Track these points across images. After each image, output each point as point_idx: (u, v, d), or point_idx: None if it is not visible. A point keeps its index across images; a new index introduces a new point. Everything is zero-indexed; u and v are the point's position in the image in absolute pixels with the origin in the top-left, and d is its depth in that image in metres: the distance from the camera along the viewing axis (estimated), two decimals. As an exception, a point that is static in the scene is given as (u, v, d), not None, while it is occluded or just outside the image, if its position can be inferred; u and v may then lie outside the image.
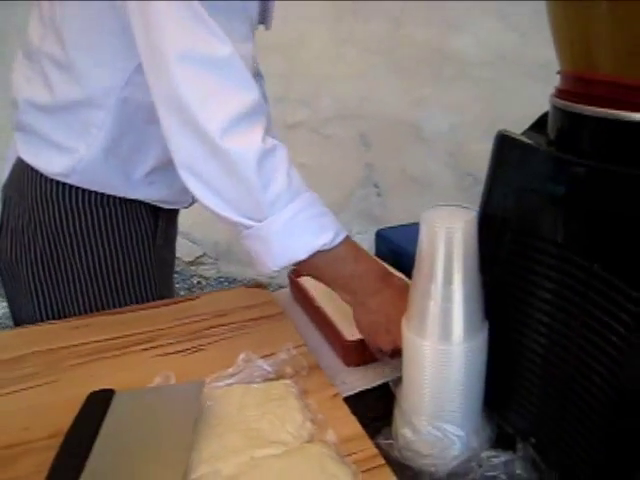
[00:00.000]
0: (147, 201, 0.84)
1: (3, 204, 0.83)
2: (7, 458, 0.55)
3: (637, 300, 0.42)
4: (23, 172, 0.79)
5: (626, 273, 0.43)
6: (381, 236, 0.95)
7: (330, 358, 0.73)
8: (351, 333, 0.70)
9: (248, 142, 0.61)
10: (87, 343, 0.72)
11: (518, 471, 0.51)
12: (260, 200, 0.62)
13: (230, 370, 0.64)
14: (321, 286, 0.70)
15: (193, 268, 2.61)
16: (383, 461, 0.53)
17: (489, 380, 0.55)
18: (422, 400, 0.55)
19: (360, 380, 0.68)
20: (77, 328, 0.76)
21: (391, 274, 0.70)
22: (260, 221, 0.63)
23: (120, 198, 0.81)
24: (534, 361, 0.53)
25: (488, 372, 0.55)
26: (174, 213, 0.95)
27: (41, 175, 0.78)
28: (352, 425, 0.58)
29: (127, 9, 0.61)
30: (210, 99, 0.60)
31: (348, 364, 0.71)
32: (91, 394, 0.59)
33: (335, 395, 0.62)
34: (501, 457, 0.53)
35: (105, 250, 0.81)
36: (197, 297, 0.86)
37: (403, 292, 0.66)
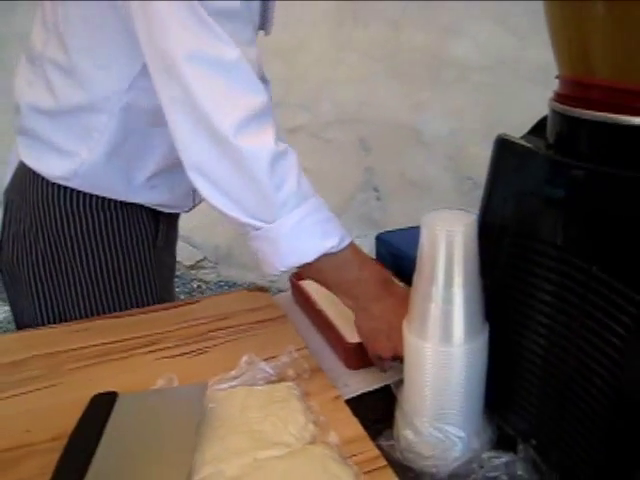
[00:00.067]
0: (148, 205, 0.85)
1: (5, 208, 0.83)
2: (10, 460, 0.55)
3: (637, 302, 0.43)
4: (25, 176, 0.80)
5: (626, 275, 0.44)
6: (381, 240, 0.95)
7: (332, 361, 0.73)
8: (352, 336, 0.70)
9: (261, 142, 0.61)
10: (89, 346, 0.72)
11: (519, 472, 0.52)
12: (271, 201, 0.62)
13: (233, 373, 0.64)
14: (322, 289, 0.71)
15: (193, 272, 2.62)
16: (385, 462, 0.54)
17: (490, 382, 0.56)
18: (423, 402, 0.55)
19: (361, 383, 0.69)
20: (78, 332, 0.76)
21: (393, 281, 0.70)
22: (269, 222, 0.63)
23: (121, 202, 0.81)
24: (534, 363, 0.54)
25: (489, 374, 0.55)
26: (175, 217, 0.96)
27: (42, 179, 0.78)
28: (354, 427, 0.58)
29: (130, 12, 0.62)
30: (221, 100, 0.61)
31: (350, 367, 0.72)
32: (94, 396, 0.59)
33: (337, 397, 0.63)
34: (502, 458, 0.53)
35: (106, 253, 0.82)
36: (198, 301, 0.86)
37: (405, 300, 0.67)
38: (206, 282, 2.60)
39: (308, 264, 0.65)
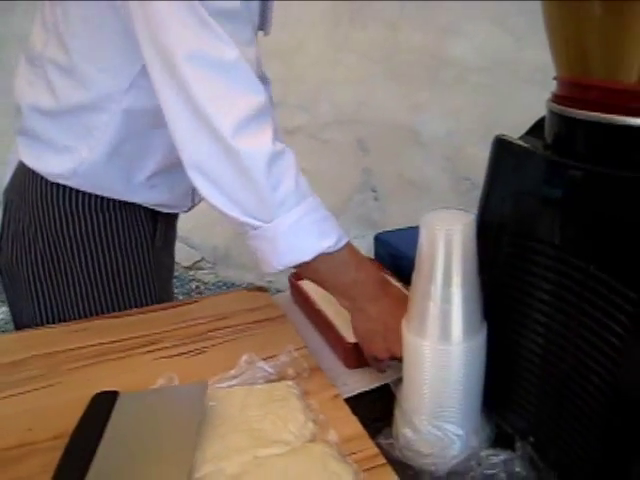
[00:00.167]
0: (147, 205, 0.85)
1: (4, 208, 0.83)
2: (12, 459, 0.56)
3: (634, 300, 0.43)
4: (24, 176, 0.80)
5: (623, 274, 0.44)
6: (380, 240, 0.96)
7: (331, 360, 0.74)
8: (351, 336, 0.71)
9: (258, 143, 0.62)
10: (88, 346, 0.73)
11: (517, 469, 0.52)
12: (268, 201, 0.63)
13: (232, 372, 0.65)
14: (321, 289, 0.71)
15: (191, 273, 2.62)
16: (384, 460, 0.54)
17: (488, 380, 0.56)
18: (422, 400, 0.55)
19: (360, 382, 0.69)
20: (77, 332, 0.77)
21: (390, 282, 0.71)
22: (267, 222, 0.64)
23: (120, 202, 0.82)
24: (532, 361, 0.54)
25: (487, 372, 0.56)
26: (173, 217, 0.96)
27: (42, 178, 0.78)
28: (353, 425, 0.58)
29: (129, 12, 0.62)
30: (221, 100, 0.61)
31: (349, 366, 0.72)
32: (95, 395, 0.59)
33: (336, 396, 0.63)
34: (500, 456, 0.53)
35: (104, 254, 0.82)
36: (198, 301, 0.87)
37: (401, 301, 0.67)
38: (204, 283, 2.60)
39: (305, 263, 0.65)
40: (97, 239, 0.81)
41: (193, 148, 0.63)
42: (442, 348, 0.53)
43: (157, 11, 0.59)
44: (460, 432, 0.55)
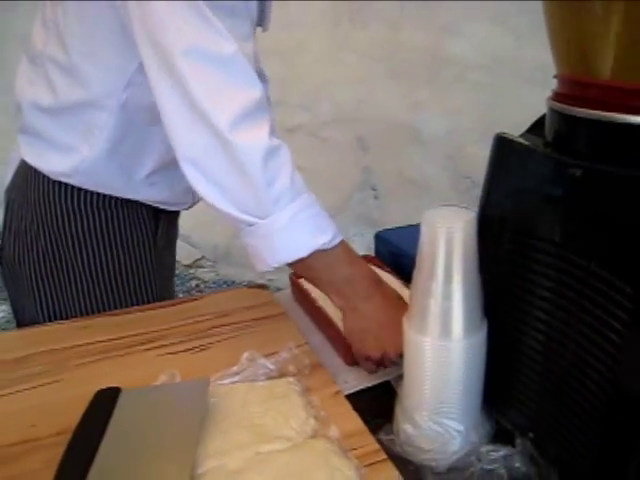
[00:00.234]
0: (148, 202, 0.85)
1: (6, 207, 0.84)
2: (16, 454, 0.56)
3: (633, 297, 0.43)
4: (26, 174, 0.80)
5: (622, 271, 0.45)
6: (380, 238, 0.96)
7: (331, 358, 0.74)
8: (352, 332, 0.71)
9: (255, 138, 0.62)
10: (91, 343, 0.73)
11: (517, 465, 0.53)
12: (263, 197, 0.63)
13: (234, 369, 0.65)
14: (321, 287, 0.71)
15: (192, 271, 2.62)
16: (385, 456, 0.55)
17: (488, 377, 0.56)
18: (423, 396, 0.56)
19: (361, 378, 0.69)
20: (80, 329, 0.77)
21: (383, 281, 0.71)
22: (262, 218, 0.64)
23: (122, 200, 0.82)
24: (532, 358, 0.54)
25: (487, 369, 0.56)
26: (175, 215, 0.96)
27: (44, 177, 0.79)
28: (354, 421, 0.59)
29: (127, 8, 0.62)
30: (218, 94, 0.61)
31: (349, 363, 0.72)
32: (98, 392, 0.60)
33: (337, 392, 0.63)
34: (500, 452, 0.54)
35: (107, 251, 0.82)
36: (199, 298, 0.87)
37: (395, 300, 0.68)
38: (204, 281, 2.61)
39: (300, 261, 0.65)
40: (99, 237, 0.82)
41: (189, 143, 0.63)
42: (443, 345, 0.53)
43: (155, 6, 0.60)
44: (460, 428, 0.55)
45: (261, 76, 0.93)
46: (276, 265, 0.66)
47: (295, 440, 0.55)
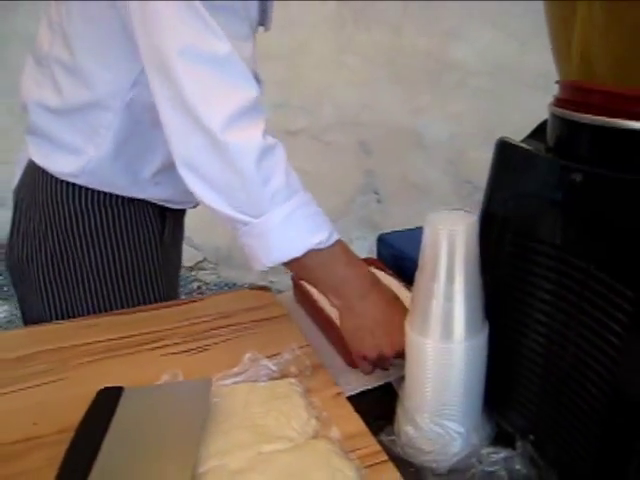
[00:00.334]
0: (154, 201, 0.86)
1: (15, 207, 0.85)
2: (18, 452, 0.56)
3: (633, 300, 0.44)
4: (34, 174, 0.81)
5: (622, 274, 0.45)
6: (383, 241, 0.97)
7: (333, 359, 0.74)
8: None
9: (248, 137, 0.62)
10: (95, 342, 0.73)
11: (517, 467, 0.53)
12: (258, 196, 0.63)
13: (236, 369, 0.65)
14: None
15: (193, 273, 2.63)
16: (386, 457, 0.55)
17: (489, 379, 0.57)
18: (424, 398, 0.56)
19: (363, 380, 0.70)
20: (85, 328, 0.77)
21: (380, 282, 0.71)
22: (257, 217, 0.64)
23: (128, 199, 0.83)
24: (533, 360, 0.55)
25: (488, 371, 0.56)
26: (181, 214, 0.97)
27: (51, 177, 0.80)
28: (355, 422, 0.59)
29: (128, 10, 0.63)
30: (211, 94, 0.61)
31: (351, 365, 0.73)
32: (100, 391, 0.60)
33: (339, 394, 0.64)
34: (501, 454, 0.54)
35: (113, 250, 0.83)
36: (202, 299, 0.87)
37: (391, 300, 0.68)
38: (206, 283, 2.61)
39: (296, 260, 0.65)
40: (106, 235, 0.82)
41: (183, 143, 0.63)
42: (444, 346, 0.53)
43: (155, 7, 0.60)
44: (461, 430, 0.55)
45: (255, 79, 0.94)
46: (271, 264, 0.66)
47: (297, 441, 0.55)
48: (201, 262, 2.63)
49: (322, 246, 0.65)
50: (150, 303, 0.86)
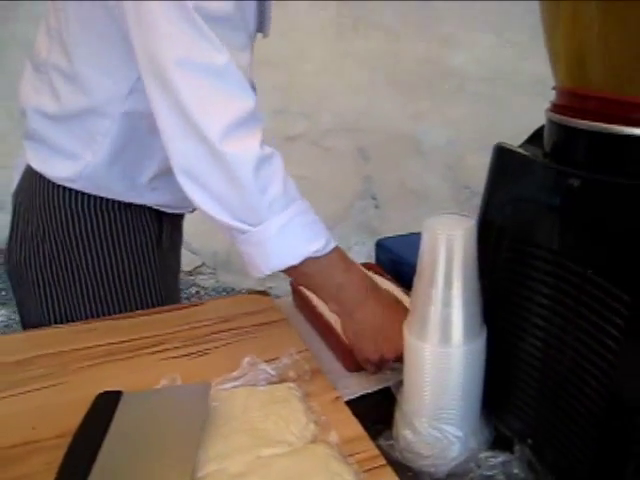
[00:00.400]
0: (151, 206, 0.86)
1: (13, 211, 0.85)
2: (16, 456, 0.56)
3: (630, 304, 0.44)
4: (32, 179, 0.81)
5: (619, 278, 0.45)
6: (381, 246, 0.97)
7: (332, 364, 0.74)
8: (352, 339, 0.71)
9: (246, 147, 0.63)
10: (94, 346, 0.73)
11: (515, 471, 0.53)
12: (256, 204, 0.63)
13: (235, 373, 0.66)
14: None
15: (192, 278, 2.63)
16: (384, 461, 0.55)
17: (487, 383, 0.57)
18: (422, 402, 0.56)
19: (361, 384, 0.70)
20: (85, 332, 0.77)
21: (378, 286, 0.71)
22: (255, 226, 0.64)
23: (125, 203, 0.83)
24: (531, 364, 0.55)
25: (486, 375, 0.57)
26: (178, 218, 0.97)
27: (48, 181, 0.80)
28: (354, 427, 0.59)
29: (126, 19, 0.63)
30: (209, 104, 0.62)
31: (349, 369, 0.73)
32: (99, 395, 0.60)
33: (337, 398, 0.64)
34: (499, 458, 0.54)
35: (110, 254, 0.83)
36: (201, 303, 0.88)
37: (391, 304, 0.69)
38: (204, 288, 2.61)
39: (294, 267, 0.66)
40: (102, 239, 0.83)
41: (182, 152, 0.64)
42: (443, 351, 0.54)
43: (152, 17, 0.60)
44: (459, 434, 0.56)
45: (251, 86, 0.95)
46: (269, 272, 0.67)
47: (295, 445, 0.55)
48: (199, 267, 2.63)
49: (319, 254, 0.66)
50: (147, 307, 0.86)
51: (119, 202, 0.83)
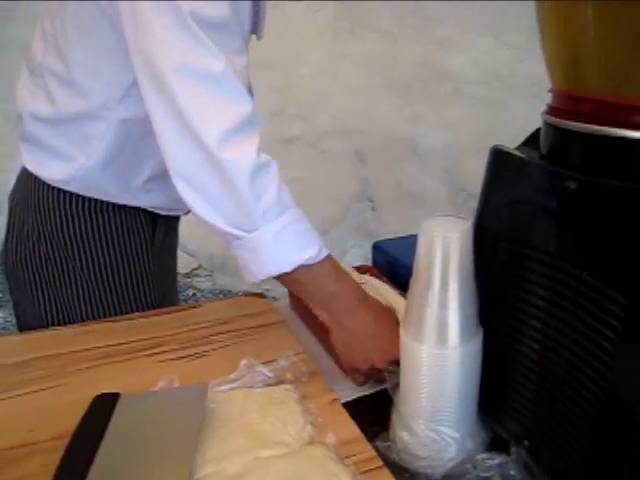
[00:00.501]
0: (145, 207, 0.86)
1: (10, 211, 0.85)
2: (13, 458, 0.56)
3: (626, 306, 0.44)
4: (27, 180, 0.82)
5: (615, 280, 0.46)
6: (378, 248, 0.97)
7: (329, 366, 0.74)
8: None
9: (243, 153, 0.63)
10: (91, 349, 0.73)
11: (512, 473, 0.53)
12: (250, 211, 0.64)
13: (232, 375, 0.66)
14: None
15: (188, 280, 2.62)
16: (381, 463, 0.55)
17: (483, 385, 0.57)
18: (419, 403, 0.56)
19: (358, 386, 0.70)
20: (82, 334, 0.77)
21: (369, 296, 0.72)
22: (249, 232, 0.65)
23: (119, 205, 0.84)
24: (527, 366, 0.55)
25: (482, 377, 0.57)
26: (174, 220, 0.97)
27: (43, 183, 0.80)
28: (351, 428, 0.59)
29: (121, 19, 0.63)
30: (207, 110, 0.62)
31: (346, 372, 0.73)
32: (96, 397, 0.60)
33: (334, 400, 0.64)
34: (495, 459, 0.55)
35: (104, 254, 0.84)
36: (199, 305, 0.88)
37: (382, 313, 0.70)
38: (201, 290, 2.61)
39: (286, 274, 0.66)
40: (97, 240, 0.83)
41: (179, 157, 0.64)
42: (439, 352, 0.54)
43: (146, 23, 0.61)
44: (456, 435, 0.56)
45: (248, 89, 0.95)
46: (263, 277, 0.67)
47: (293, 446, 0.55)
48: (196, 269, 2.62)
49: (312, 262, 0.66)
50: (142, 307, 0.87)
51: (113, 204, 0.83)
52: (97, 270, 0.83)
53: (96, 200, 0.82)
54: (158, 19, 0.60)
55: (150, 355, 0.72)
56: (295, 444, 0.56)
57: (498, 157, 0.57)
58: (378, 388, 0.69)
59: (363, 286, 0.74)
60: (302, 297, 0.72)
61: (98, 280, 0.84)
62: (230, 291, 2.57)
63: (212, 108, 0.62)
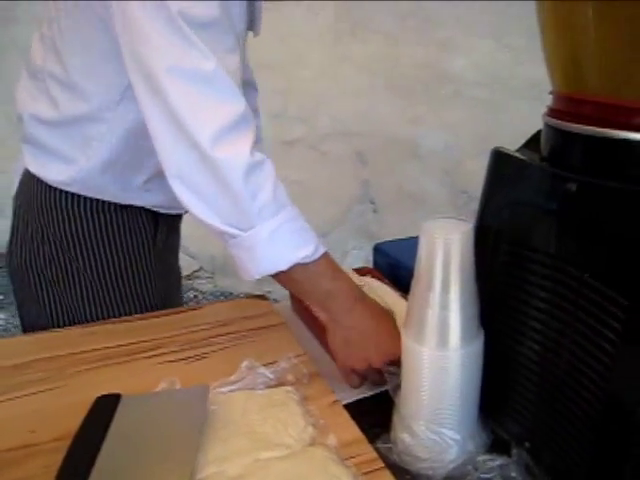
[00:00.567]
0: (145, 206, 0.87)
1: (14, 213, 0.86)
2: (15, 459, 0.56)
3: (627, 308, 0.44)
4: (30, 182, 0.82)
5: (616, 282, 0.46)
6: (379, 250, 0.97)
7: (330, 368, 0.74)
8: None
9: (237, 152, 0.63)
10: (93, 350, 0.74)
11: (513, 474, 0.53)
12: (246, 210, 0.64)
13: (233, 377, 0.66)
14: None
15: (189, 282, 2.62)
16: (382, 464, 0.55)
17: (485, 386, 0.57)
18: (420, 405, 0.56)
19: (359, 388, 0.70)
20: (83, 336, 0.78)
21: (367, 295, 0.71)
22: (245, 231, 0.65)
23: (121, 205, 0.84)
24: (528, 367, 0.55)
25: (484, 379, 0.57)
26: (176, 220, 0.98)
27: (46, 184, 0.81)
28: (352, 430, 0.59)
29: (116, 27, 0.64)
30: (199, 110, 0.62)
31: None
32: (98, 398, 0.60)
33: (335, 402, 0.64)
34: (496, 461, 0.54)
35: (107, 254, 0.84)
36: (200, 307, 0.88)
37: (378, 311, 0.69)
38: (202, 292, 2.61)
39: (283, 273, 0.66)
40: (99, 239, 0.83)
41: (173, 157, 0.65)
42: (440, 354, 0.54)
43: (137, 24, 0.61)
44: (457, 437, 0.56)
45: (251, 85, 0.95)
46: (259, 276, 0.67)
47: (294, 448, 0.55)
48: (197, 271, 2.63)
49: (308, 260, 0.66)
50: (146, 307, 0.87)
51: (115, 204, 0.83)
52: (100, 270, 0.84)
53: (98, 200, 0.82)
54: (148, 20, 0.60)
55: (149, 357, 0.72)
56: (296, 445, 0.56)
57: (499, 159, 0.57)
58: (379, 390, 0.69)
59: (363, 288, 0.74)
60: (299, 296, 0.72)
61: (101, 280, 0.84)
62: (231, 293, 2.57)
63: (204, 108, 0.62)
